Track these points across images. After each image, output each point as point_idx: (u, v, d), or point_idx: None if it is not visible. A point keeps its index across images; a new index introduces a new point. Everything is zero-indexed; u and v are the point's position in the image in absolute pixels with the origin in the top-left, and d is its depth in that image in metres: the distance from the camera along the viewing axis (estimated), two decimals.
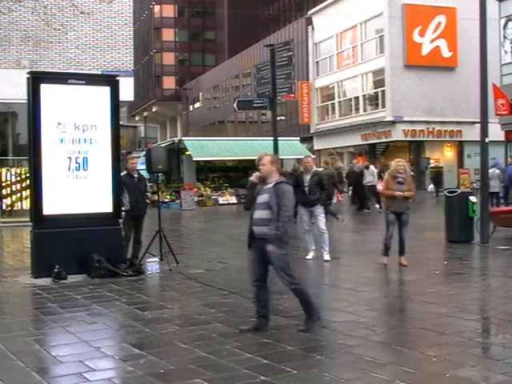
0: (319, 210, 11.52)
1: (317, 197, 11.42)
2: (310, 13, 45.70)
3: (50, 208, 9.97)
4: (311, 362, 5.54)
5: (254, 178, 6.86)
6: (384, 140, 37.58)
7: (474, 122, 30.30)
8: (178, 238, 15.51)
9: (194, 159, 32.09)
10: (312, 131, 44.13)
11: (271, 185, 6.48)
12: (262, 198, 6.49)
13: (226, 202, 30.52)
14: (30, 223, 10.24)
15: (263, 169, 6.60)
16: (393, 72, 36.04)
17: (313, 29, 44.17)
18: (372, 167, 23.84)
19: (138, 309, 7.71)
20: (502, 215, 15.14)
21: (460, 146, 37.81)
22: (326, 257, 11.36)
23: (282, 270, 6.43)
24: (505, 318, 7.16)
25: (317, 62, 44.33)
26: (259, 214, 6.47)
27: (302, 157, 13.51)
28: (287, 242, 6.42)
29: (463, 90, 34.05)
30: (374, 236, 16.31)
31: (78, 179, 10.12)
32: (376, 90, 38.55)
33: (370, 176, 22.91)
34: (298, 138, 35.89)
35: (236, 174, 32.28)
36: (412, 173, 14.10)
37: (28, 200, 15.60)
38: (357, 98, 40.55)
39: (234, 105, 13.20)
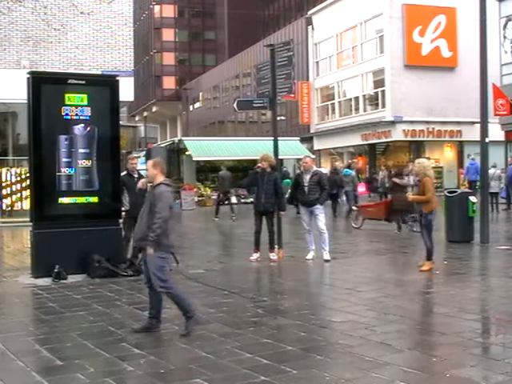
0: (319, 210, 11.53)
1: (316, 197, 11.43)
2: (310, 13, 45.71)
3: (50, 208, 9.97)
4: (311, 362, 5.54)
5: (140, 184, 7.09)
6: (384, 140, 37.58)
7: (473, 122, 30.30)
8: (178, 238, 15.44)
9: (194, 159, 32.11)
10: (312, 131, 44.12)
11: (152, 188, 6.57)
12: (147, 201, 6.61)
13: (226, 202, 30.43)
14: (30, 223, 10.24)
15: (147, 173, 6.76)
16: (393, 72, 36.02)
17: (313, 29, 44.15)
18: None
19: (137, 309, 7.70)
20: (368, 209, 17.46)
21: (460, 145, 37.81)
22: (326, 257, 11.36)
23: (154, 273, 6.42)
24: (505, 318, 7.16)
25: (317, 62, 44.32)
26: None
27: (301, 157, 13.50)
28: (165, 244, 6.39)
29: (463, 90, 34.01)
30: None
31: (78, 179, 10.11)
32: (376, 90, 38.53)
33: None
34: (298, 138, 35.91)
35: (236, 174, 32.22)
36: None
37: (28, 200, 15.58)
38: (357, 98, 40.54)
39: (234, 105, 13.14)
